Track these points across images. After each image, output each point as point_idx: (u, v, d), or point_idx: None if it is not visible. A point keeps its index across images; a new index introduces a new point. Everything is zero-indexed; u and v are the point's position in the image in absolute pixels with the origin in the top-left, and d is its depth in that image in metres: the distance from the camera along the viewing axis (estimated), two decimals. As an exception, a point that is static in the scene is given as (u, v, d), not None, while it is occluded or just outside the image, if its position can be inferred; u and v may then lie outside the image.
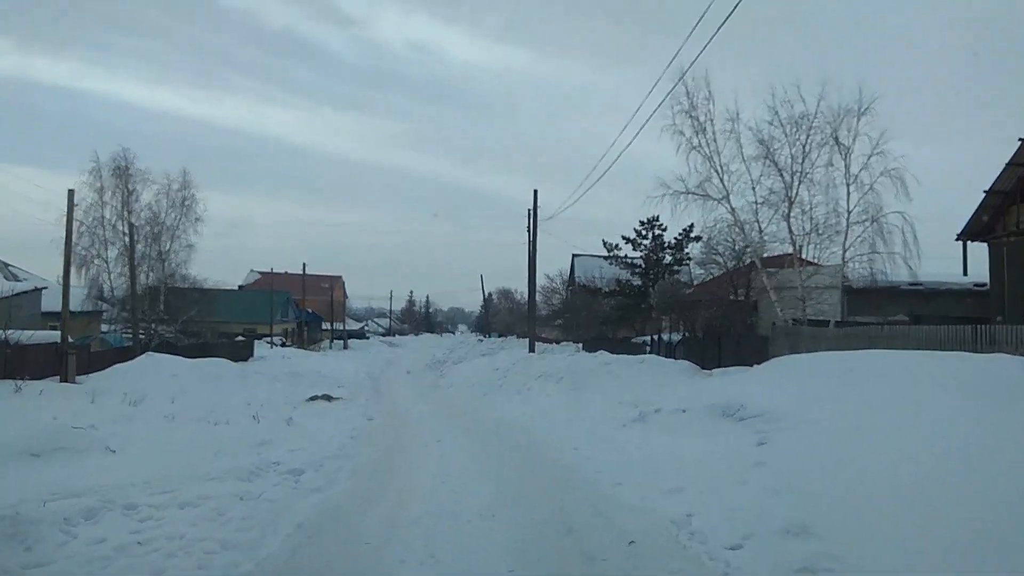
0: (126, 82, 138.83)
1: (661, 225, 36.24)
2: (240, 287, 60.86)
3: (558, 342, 44.98)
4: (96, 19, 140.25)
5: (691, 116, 20.41)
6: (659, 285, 31.80)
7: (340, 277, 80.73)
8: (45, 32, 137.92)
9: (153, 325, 33.97)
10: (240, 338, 49.59)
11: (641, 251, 36.70)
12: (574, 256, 59.18)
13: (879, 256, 19.74)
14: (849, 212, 19.97)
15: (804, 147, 20.45)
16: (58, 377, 21.94)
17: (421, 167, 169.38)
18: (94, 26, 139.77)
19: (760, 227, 20.71)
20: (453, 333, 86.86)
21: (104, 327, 36.50)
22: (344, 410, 21.02)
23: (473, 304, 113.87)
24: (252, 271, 76.88)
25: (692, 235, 34.51)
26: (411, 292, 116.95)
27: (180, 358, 26.15)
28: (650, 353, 28.88)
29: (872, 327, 19.40)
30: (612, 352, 25.65)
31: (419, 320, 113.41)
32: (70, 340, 25.07)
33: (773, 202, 20.68)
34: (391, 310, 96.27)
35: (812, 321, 21.14)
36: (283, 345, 51.99)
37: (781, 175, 20.74)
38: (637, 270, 36.74)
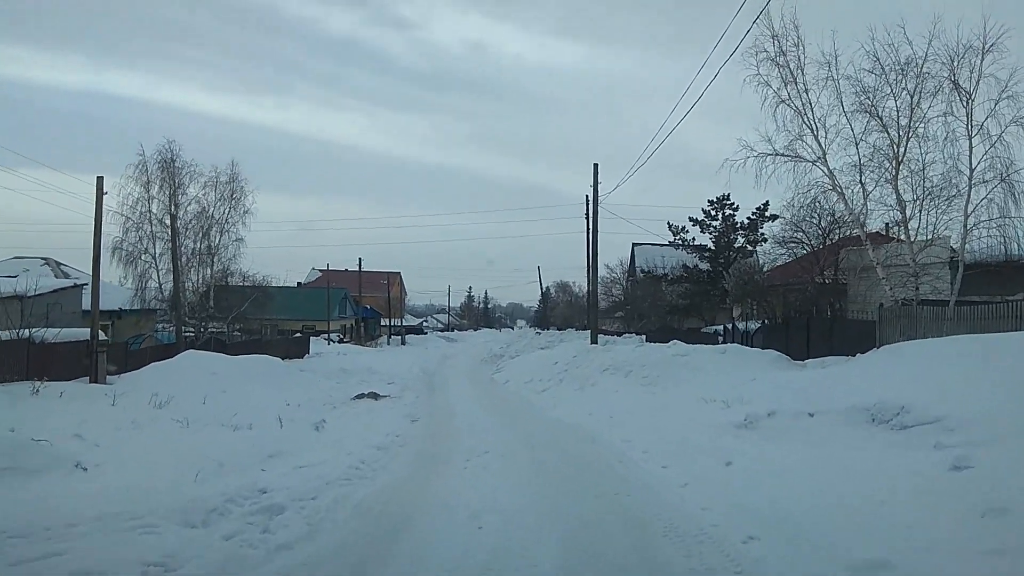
0: (196, 92, 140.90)
1: (732, 204, 32.52)
2: (299, 284, 59.40)
3: (619, 334, 41.64)
4: (167, 33, 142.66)
5: (778, 64, 16.99)
6: (734, 268, 28.32)
7: (399, 273, 78.86)
8: (119, 46, 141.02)
9: (203, 322, 32.11)
10: (298, 335, 47.96)
11: (710, 233, 33.02)
12: (634, 245, 55.70)
13: (1010, 221, 16.05)
14: (972, 170, 16.30)
15: (912, 97, 16.84)
16: (88, 377, 20.06)
17: (480, 165, 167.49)
18: (164, 40, 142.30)
19: (865, 190, 17.16)
20: (512, 328, 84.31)
21: (160, 326, 34.97)
22: (388, 410, 18.44)
23: (532, 299, 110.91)
24: (313, 269, 75.61)
25: (767, 213, 30.76)
26: (470, 288, 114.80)
27: (222, 356, 23.97)
28: (723, 343, 25.51)
29: (1001, 306, 15.77)
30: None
31: (478, 315, 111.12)
32: (103, 338, 23.26)
33: (876, 162, 17.14)
34: (449, 306, 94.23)
35: (925, 302, 17.51)
36: (340, 341, 50.10)
37: (886, 131, 17.17)
38: (706, 254, 33.02)
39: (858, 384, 9.64)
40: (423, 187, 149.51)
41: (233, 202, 32.14)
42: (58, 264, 34.18)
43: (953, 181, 16.49)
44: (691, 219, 32.84)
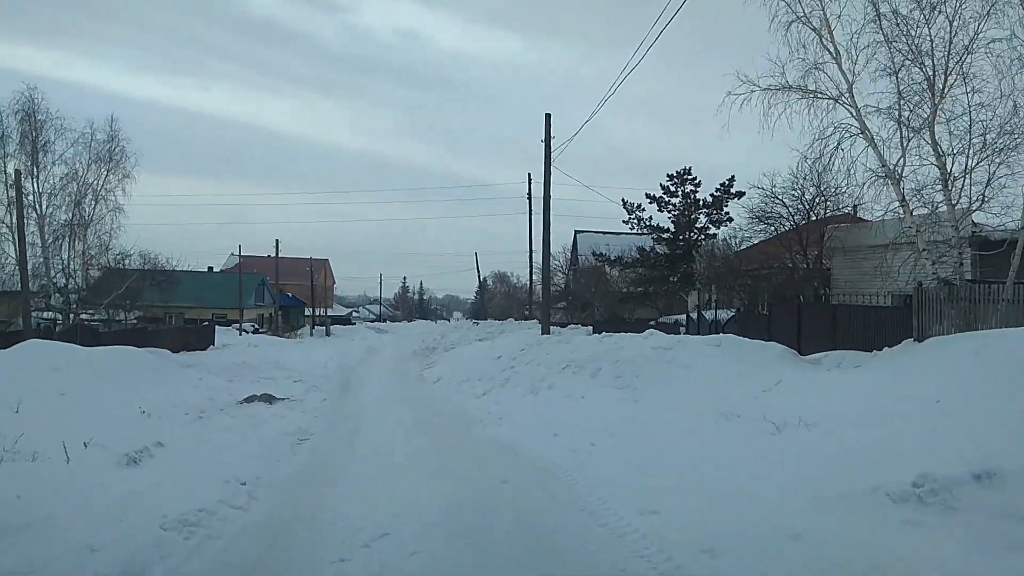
0: (112, 71, 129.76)
1: (694, 179, 28.26)
2: (210, 269, 52.77)
3: (563, 325, 37.36)
4: (78, 8, 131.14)
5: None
6: (703, 249, 24.27)
7: (326, 261, 72.70)
8: (31, 19, 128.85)
9: (72, 307, 26.06)
10: (206, 324, 41.84)
11: (669, 212, 28.76)
12: (576, 233, 51.73)
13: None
14: (1040, 113, 12.31)
15: (952, 20, 12.76)
16: None
17: (412, 154, 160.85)
18: (77, 16, 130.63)
19: (905, 135, 12.95)
20: (448, 320, 79.32)
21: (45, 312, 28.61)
22: (273, 422, 13.37)
23: (468, 291, 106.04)
24: (232, 255, 68.69)
25: (733, 190, 26.73)
26: (404, 278, 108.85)
27: (76, 348, 18.29)
28: (685, 334, 21.30)
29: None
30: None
31: (413, 307, 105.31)
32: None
33: (909, 99, 13.03)
34: (380, 295, 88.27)
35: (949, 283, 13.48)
36: (255, 331, 44.15)
37: (920, 64, 13.05)
38: (664, 235, 28.70)
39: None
40: (354, 175, 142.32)
41: (111, 165, 26.12)
42: None
43: (1013, 129, 12.43)
44: (648, 195, 28.56)
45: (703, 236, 28.05)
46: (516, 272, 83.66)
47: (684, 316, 26.18)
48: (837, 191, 18.54)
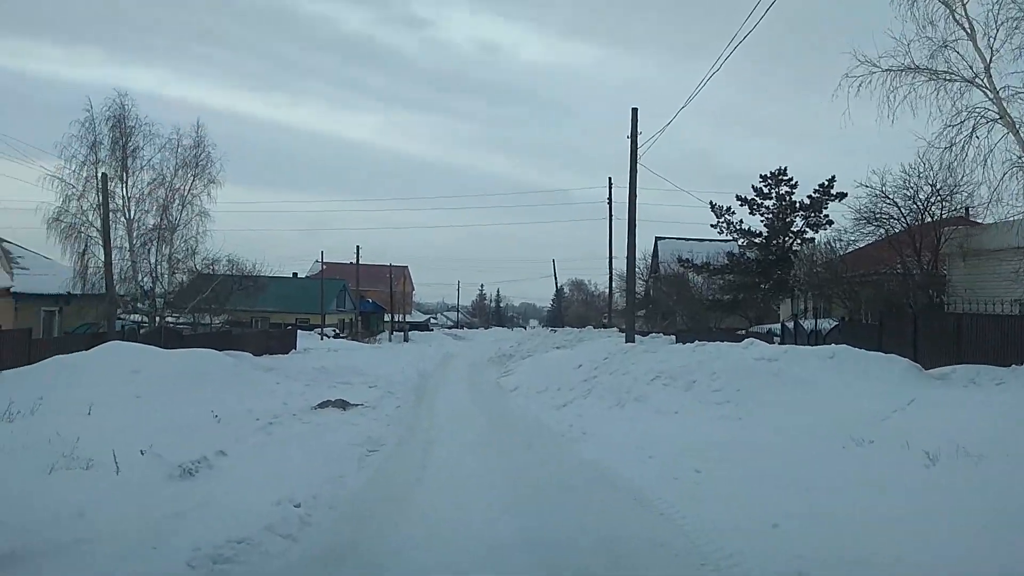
0: (210, 90, 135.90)
1: (790, 180, 26.24)
2: (294, 275, 53.64)
3: (644, 334, 35.75)
4: (181, 32, 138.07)
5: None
6: (801, 254, 22.36)
7: (405, 268, 73.13)
8: (136, 45, 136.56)
9: (158, 310, 26.45)
10: (290, 328, 42.38)
11: (762, 215, 26.85)
12: (657, 239, 49.84)
13: None
14: None
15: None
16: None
17: (492, 164, 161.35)
18: (178, 38, 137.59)
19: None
20: (524, 328, 78.54)
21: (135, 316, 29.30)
22: (345, 430, 12.65)
23: (544, 299, 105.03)
24: (316, 262, 69.99)
25: (833, 191, 24.60)
26: (481, 286, 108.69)
27: (155, 351, 18.22)
28: (782, 344, 19.51)
29: None
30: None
31: (489, 314, 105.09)
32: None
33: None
34: (458, 302, 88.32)
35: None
36: (336, 336, 44.40)
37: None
38: (756, 239, 26.75)
39: None
40: (434, 184, 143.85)
41: (198, 170, 26.42)
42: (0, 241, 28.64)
43: None
44: (739, 198, 26.68)
45: (799, 240, 26.00)
46: (593, 280, 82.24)
47: (778, 325, 24.28)
48: (957, 188, 16.51)
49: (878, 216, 18.66)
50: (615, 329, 33.48)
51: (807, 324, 21.91)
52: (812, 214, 25.77)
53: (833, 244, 20.94)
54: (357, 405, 16.65)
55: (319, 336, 42.49)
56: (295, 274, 53.28)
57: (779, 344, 21.21)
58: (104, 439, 9.49)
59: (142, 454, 8.56)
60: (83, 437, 9.03)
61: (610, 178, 36.38)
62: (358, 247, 52.19)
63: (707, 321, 31.51)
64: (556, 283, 53.79)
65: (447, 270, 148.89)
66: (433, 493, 7.12)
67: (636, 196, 17.65)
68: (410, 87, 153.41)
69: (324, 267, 69.11)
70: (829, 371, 11.21)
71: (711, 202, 26.80)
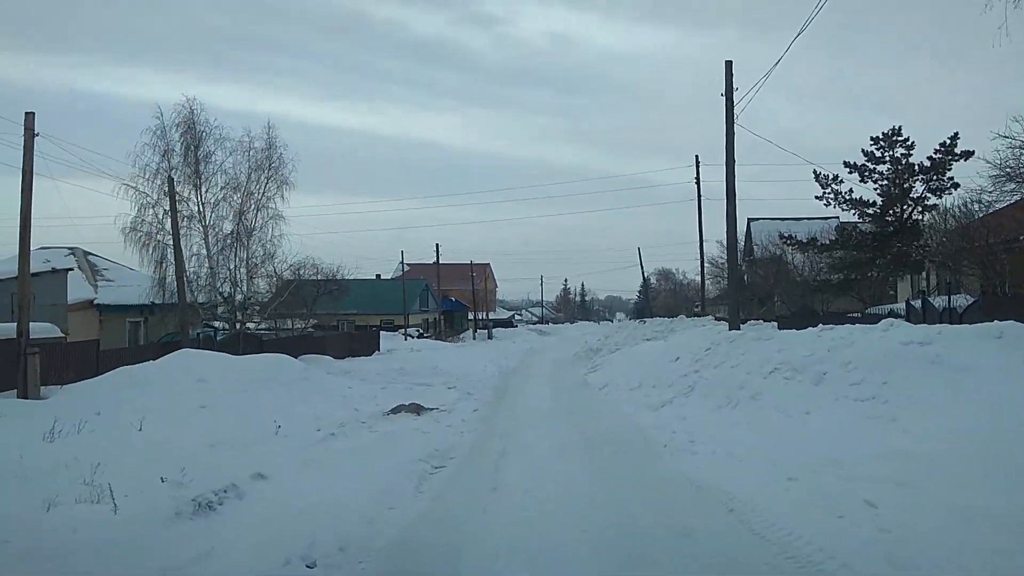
0: (291, 102, 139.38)
1: (907, 140, 22.83)
2: (378, 276, 53.26)
3: (743, 321, 32.77)
4: (261, 44, 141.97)
5: None
6: (931, 221, 19.21)
7: (487, 265, 71.87)
8: (225, 60, 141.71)
9: (237, 316, 25.91)
10: (374, 329, 41.76)
11: (875, 181, 23.39)
12: (750, 221, 46.53)
13: None
14: None
15: None
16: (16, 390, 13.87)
17: (570, 155, 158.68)
18: (260, 50, 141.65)
19: None
20: (611, 321, 76.02)
21: (217, 324, 29.16)
22: (413, 440, 11.13)
23: (630, 291, 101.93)
24: (400, 263, 69.82)
25: (958, 150, 21.13)
26: (565, 280, 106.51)
27: (224, 357, 17.31)
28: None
29: None
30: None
31: (575, 308, 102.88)
32: (59, 334, 17.19)
33: None
34: (542, 296, 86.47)
35: None
36: (420, 336, 43.52)
37: None
38: (869, 211, 23.33)
39: None
40: (513, 180, 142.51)
41: (270, 172, 25.69)
42: (85, 254, 28.94)
43: None
44: (847, 164, 23.29)
45: (920, 208, 22.61)
46: (681, 268, 78.78)
47: (900, 306, 21.21)
48: None
49: (1016, 176, 15.56)
50: (710, 318, 30.84)
51: (938, 302, 18.89)
52: (934, 177, 22.16)
53: (969, 206, 17.74)
54: (432, 409, 15.16)
55: (403, 337, 41.66)
56: (378, 276, 52.89)
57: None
58: (133, 463, 8.28)
59: (162, 481, 7.21)
60: (109, 462, 7.81)
61: (697, 156, 33.72)
62: (437, 245, 51.34)
63: (812, 304, 28.43)
64: (643, 272, 51.20)
65: (531, 264, 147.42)
66: (502, 534, 5.32)
67: (734, 162, 15.29)
68: (483, 85, 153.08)
69: (406, 268, 68.96)
70: (998, 355, 8.73)
71: (815, 171, 23.75)
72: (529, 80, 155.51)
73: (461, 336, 47.95)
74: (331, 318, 45.77)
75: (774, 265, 36.30)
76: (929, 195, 22.39)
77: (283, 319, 32.72)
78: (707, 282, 42.60)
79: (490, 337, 47.58)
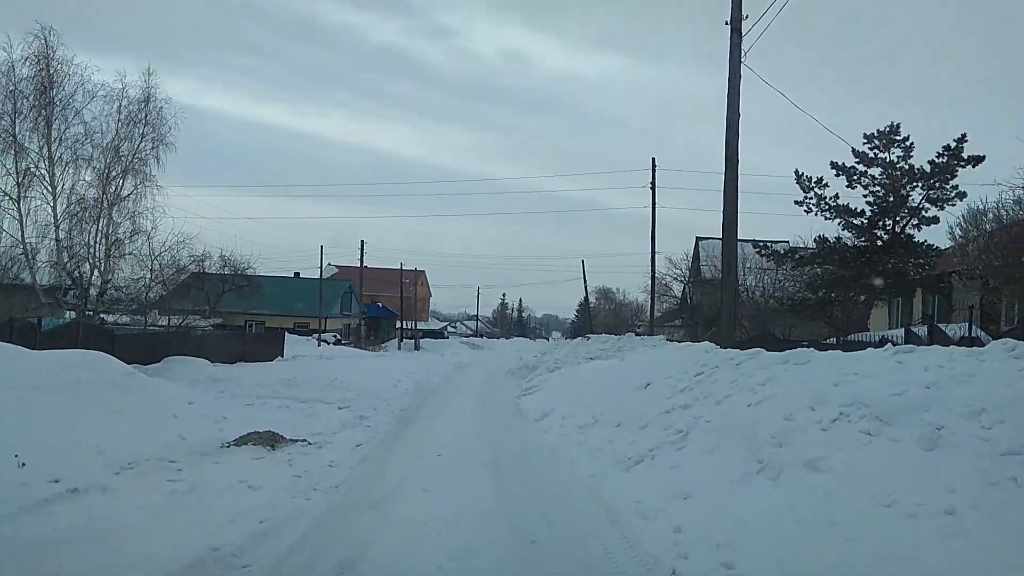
0: (240, 99, 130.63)
1: (905, 140, 19.07)
2: (296, 275, 47.47)
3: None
4: (213, 40, 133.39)
5: None
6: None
7: (422, 272, 66.63)
8: (173, 53, 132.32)
9: (93, 304, 20.36)
10: (277, 331, 36.20)
11: (868, 185, 19.56)
12: (698, 240, 43.23)
13: None
14: None
15: None
16: None
17: (517, 173, 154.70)
18: (211, 47, 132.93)
19: None
20: (547, 339, 71.85)
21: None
22: (230, 499, 6.46)
23: (567, 311, 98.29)
24: (329, 264, 63.96)
25: (965, 154, 17.58)
26: (503, 294, 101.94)
27: (22, 354, 11.95)
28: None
29: None
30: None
31: (511, 324, 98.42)
32: None
33: None
34: (477, 309, 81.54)
35: None
36: (337, 343, 38.18)
37: None
38: (856, 220, 19.38)
39: None
40: (461, 193, 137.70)
41: (146, 128, 20.36)
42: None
43: None
44: (834, 165, 19.32)
45: (916, 221, 18.86)
46: (622, 287, 75.25)
47: (889, 333, 17.52)
48: None
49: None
50: (661, 337, 26.93)
51: (953, 329, 15.17)
52: (936, 183, 18.51)
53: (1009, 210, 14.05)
54: (296, 442, 10.30)
55: (316, 342, 36.27)
56: (297, 274, 47.21)
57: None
58: None
59: None
60: None
61: (653, 159, 30.02)
62: (362, 242, 45.98)
63: (772, 330, 24.65)
64: (585, 286, 47.13)
65: (469, 276, 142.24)
66: None
67: (739, 116, 11.12)
68: (437, 96, 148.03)
69: (335, 271, 63.13)
70: None
71: (796, 171, 19.87)
72: (483, 94, 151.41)
73: (384, 345, 42.71)
74: (238, 318, 40.02)
75: (714, 289, 32.79)
76: (929, 205, 18.78)
77: (176, 315, 27.17)
78: (648, 302, 38.95)
79: (417, 348, 42.55)
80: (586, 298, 50.57)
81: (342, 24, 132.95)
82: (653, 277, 32.08)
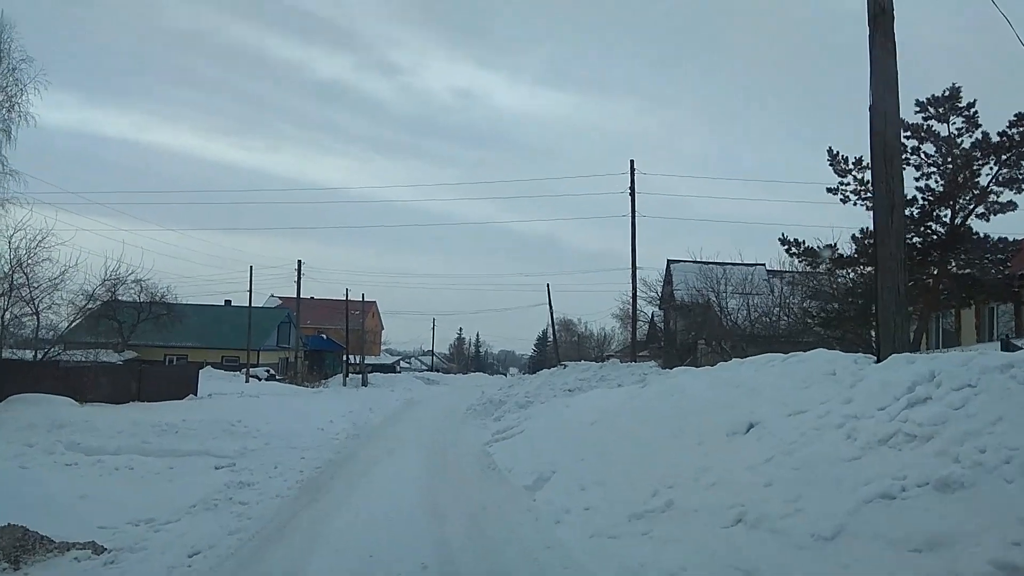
0: (184, 133, 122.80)
1: (969, 108, 14.53)
2: (227, 303, 41.39)
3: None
4: (156, 73, 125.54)
5: None
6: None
7: (373, 303, 60.98)
8: (110, 86, 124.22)
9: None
10: (207, 364, 30.40)
11: (920, 166, 15.00)
12: (670, 262, 39.03)
13: None
14: None
15: None
16: None
17: (471, 209, 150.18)
18: (154, 80, 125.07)
19: None
20: (504, 375, 66.69)
21: None
22: None
23: (524, 347, 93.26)
24: (272, 296, 57.74)
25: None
26: (460, 329, 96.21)
27: None
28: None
29: None
30: None
31: (468, 359, 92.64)
32: None
33: None
34: (433, 342, 75.75)
35: None
36: (270, 378, 32.39)
37: None
38: (909, 209, 14.99)
39: None
40: (414, 229, 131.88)
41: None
42: None
43: None
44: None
45: (984, 207, 14.61)
46: (583, 319, 70.83)
47: (993, 346, 13.17)
48: None
49: None
50: (653, 363, 22.44)
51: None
52: (1011, 159, 13.98)
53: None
54: (70, 549, 5.19)
55: (245, 378, 30.47)
56: (228, 302, 41.16)
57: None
58: None
59: None
60: None
61: (632, 161, 25.80)
62: (300, 262, 40.28)
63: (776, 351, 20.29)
64: (551, 310, 42.30)
65: (423, 306, 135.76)
66: None
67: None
68: (387, 131, 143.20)
69: (277, 302, 57.03)
70: None
71: (829, 149, 15.47)
72: (432, 131, 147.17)
73: (327, 381, 36.98)
74: (156, 351, 34.02)
75: (701, 311, 28.63)
76: (1000, 188, 14.35)
77: (81, 348, 21.73)
78: (615, 331, 34.59)
79: (364, 384, 36.94)
80: (552, 323, 45.70)
81: (288, 59, 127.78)
82: (634, 296, 27.67)
